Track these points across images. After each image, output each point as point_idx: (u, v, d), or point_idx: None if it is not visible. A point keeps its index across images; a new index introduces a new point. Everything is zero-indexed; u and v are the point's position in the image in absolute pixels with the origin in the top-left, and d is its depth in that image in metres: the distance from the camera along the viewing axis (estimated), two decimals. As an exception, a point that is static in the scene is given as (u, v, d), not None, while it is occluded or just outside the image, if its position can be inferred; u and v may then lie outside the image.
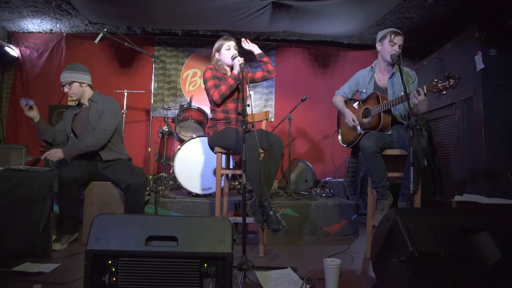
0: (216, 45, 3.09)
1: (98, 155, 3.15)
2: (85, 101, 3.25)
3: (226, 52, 3.00)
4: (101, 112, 3.17)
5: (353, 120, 3.00)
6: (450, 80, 2.44)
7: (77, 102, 3.33)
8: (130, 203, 2.93)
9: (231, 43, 3.02)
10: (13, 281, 2.02)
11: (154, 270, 1.62)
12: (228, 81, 2.88)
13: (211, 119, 3.08)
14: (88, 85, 3.25)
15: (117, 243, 1.63)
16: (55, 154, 2.96)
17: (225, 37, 3.07)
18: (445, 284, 1.65)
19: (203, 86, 5.51)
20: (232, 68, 3.01)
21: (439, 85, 2.48)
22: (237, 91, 2.99)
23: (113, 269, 1.62)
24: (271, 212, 2.58)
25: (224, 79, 2.98)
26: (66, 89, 3.16)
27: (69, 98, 3.20)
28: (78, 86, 3.18)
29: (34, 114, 3.05)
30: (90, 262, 1.60)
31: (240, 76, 2.71)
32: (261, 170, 2.57)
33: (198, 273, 1.63)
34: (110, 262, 1.62)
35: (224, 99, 2.94)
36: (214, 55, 3.10)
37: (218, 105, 2.98)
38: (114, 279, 1.61)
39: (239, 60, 2.79)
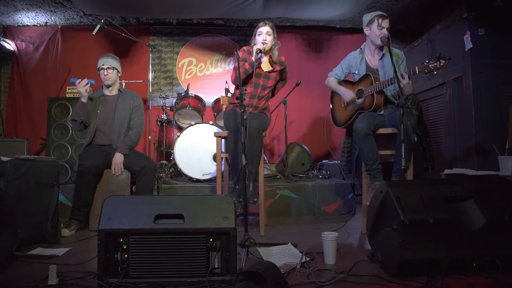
0: (255, 30, 3.13)
1: (111, 143, 3.30)
2: (113, 89, 3.41)
3: (258, 37, 3.06)
4: (132, 107, 3.38)
5: (347, 96, 3.08)
6: (441, 60, 2.54)
7: (95, 90, 3.44)
8: (142, 185, 3.09)
9: (263, 29, 3.05)
10: (29, 264, 2.12)
11: (163, 246, 1.74)
12: (244, 65, 2.98)
13: (229, 101, 3.25)
14: (119, 75, 3.46)
15: (128, 222, 1.74)
16: (119, 161, 3.16)
17: (264, 21, 3.10)
18: (434, 248, 1.77)
19: (199, 74, 5.70)
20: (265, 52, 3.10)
21: (430, 65, 2.58)
22: (254, 76, 3.05)
23: (125, 247, 1.73)
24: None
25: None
26: (106, 72, 3.29)
27: (106, 82, 3.35)
28: (116, 73, 3.38)
29: (87, 93, 3.16)
30: (103, 240, 1.71)
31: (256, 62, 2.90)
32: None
33: (204, 247, 1.75)
34: (121, 240, 1.73)
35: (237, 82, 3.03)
36: (252, 39, 3.14)
37: (237, 87, 3.10)
38: (126, 256, 1.73)
39: (256, 46, 2.90)
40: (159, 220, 1.77)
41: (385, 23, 2.93)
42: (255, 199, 2.78)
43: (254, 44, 3.09)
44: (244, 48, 3.16)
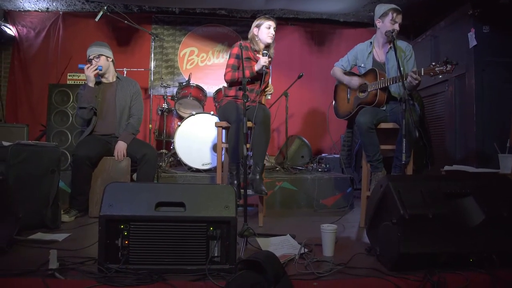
0: (256, 22, 3.09)
1: (113, 132, 3.29)
2: (109, 76, 3.38)
3: (266, 30, 3.03)
4: (132, 94, 3.37)
5: (355, 80, 3.07)
6: (447, 65, 2.52)
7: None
8: (143, 172, 3.11)
9: (273, 24, 3.05)
10: (29, 248, 2.14)
11: (163, 233, 1.75)
12: (246, 72, 2.91)
13: (222, 94, 3.19)
14: (112, 60, 3.40)
15: (129, 208, 1.75)
16: (123, 147, 3.15)
17: (267, 16, 3.08)
18: (432, 243, 1.78)
19: (201, 64, 5.68)
20: (266, 46, 3.09)
21: (437, 69, 2.56)
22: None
23: (125, 233, 1.74)
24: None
25: (251, 59, 3.04)
26: (94, 63, 3.25)
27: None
28: (105, 60, 3.31)
29: (95, 78, 3.17)
30: (103, 226, 1.72)
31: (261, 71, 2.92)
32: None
33: (204, 236, 1.77)
34: (122, 226, 1.74)
35: (233, 83, 3.06)
36: (252, 30, 3.11)
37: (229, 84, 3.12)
38: (126, 242, 1.74)
39: (265, 61, 2.86)
40: (160, 207, 1.78)
41: (399, 18, 2.90)
42: (266, 191, 2.81)
43: (256, 36, 3.08)
44: (241, 42, 3.07)
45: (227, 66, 3.07)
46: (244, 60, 3.01)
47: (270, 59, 2.96)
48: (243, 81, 2.44)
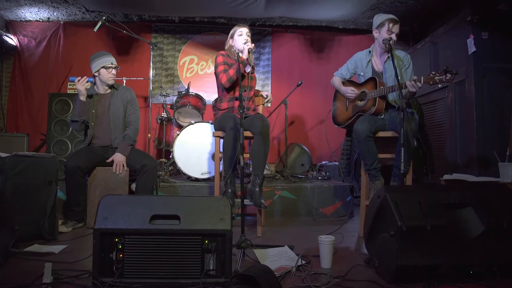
0: (231, 32, 3.14)
1: (110, 143, 3.26)
2: (108, 87, 3.33)
3: (239, 37, 3.05)
4: (126, 102, 3.32)
5: (351, 91, 3.08)
6: (447, 74, 2.52)
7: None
8: (142, 183, 3.07)
9: (244, 29, 3.07)
10: (25, 260, 2.12)
11: (158, 247, 1.73)
12: (235, 65, 2.96)
13: (215, 107, 3.19)
14: None
15: (123, 221, 1.74)
16: (122, 160, 3.11)
17: (239, 24, 3.12)
18: (431, 255, 1.76)
19: (200, 72, 5.69)
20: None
21: (436, 78, 2.56)
22: (246, 79, 3.07)
23: (120, 246, 1.72)
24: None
25: (234, 64, 3.05)
26: (114, 72, 3.26)
27: (111, 81, 3.27)
28: (116, 71, 3.31)
29: (86, 91, 3.13)
30: (98, 240, 1.71)
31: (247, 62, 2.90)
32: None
33: (199, 249, 1.74)
34: (117, 239, 1.73)
35: (232, 83, 3.03)
36: (228, 41, 3.16)
37: (228, 90, 3.09)
38: (121, 255, 1.72)
39: (248, 45, 2.90)
40: (155, 220, 1.76)
41: (395, 29, 2.91)
42: (265, 204, 2.79)
43: (232, 46, 3.12)
44: (222, 52, 3.14)
45: (219, 73, 3.06)
46: (228, 65, 3.05)
47: (253, 44, 2.95)
48: (240, 90, 2.44)
